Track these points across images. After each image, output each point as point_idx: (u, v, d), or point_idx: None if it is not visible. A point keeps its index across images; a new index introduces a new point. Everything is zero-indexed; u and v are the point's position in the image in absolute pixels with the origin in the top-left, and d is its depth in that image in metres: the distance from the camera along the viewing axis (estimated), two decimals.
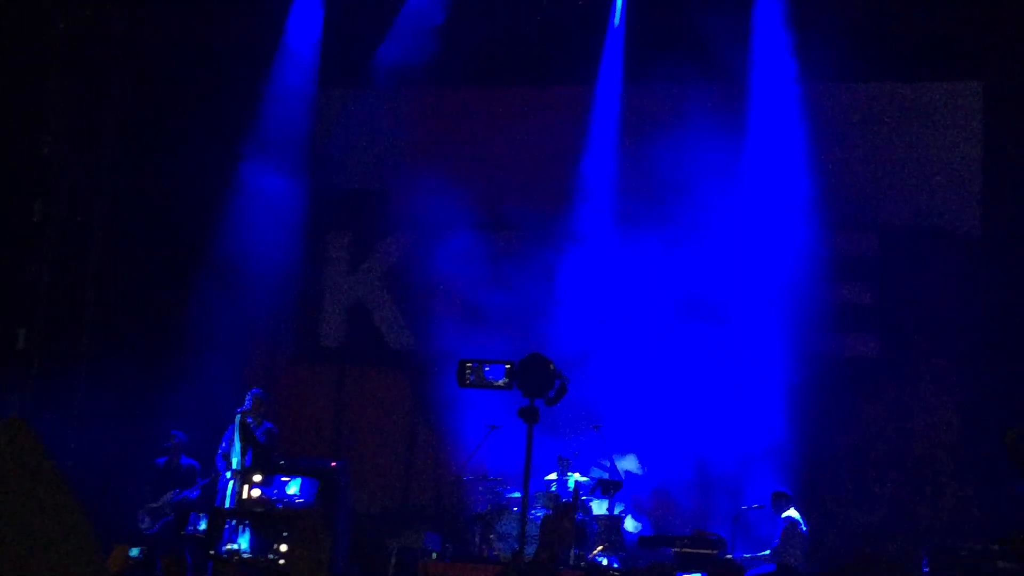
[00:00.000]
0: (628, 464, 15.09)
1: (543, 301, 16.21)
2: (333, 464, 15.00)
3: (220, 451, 14.24)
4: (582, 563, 13.71)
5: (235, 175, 16.69)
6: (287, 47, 17.20)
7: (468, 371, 8.64)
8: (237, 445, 13.94)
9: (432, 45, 16.33)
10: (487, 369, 8.48)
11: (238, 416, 14.05)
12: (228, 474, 14.00)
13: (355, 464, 15.92)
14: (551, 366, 8.59)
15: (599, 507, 14.53)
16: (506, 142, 16.74)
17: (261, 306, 16.85)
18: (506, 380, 8.58)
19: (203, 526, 13.22)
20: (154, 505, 14.67)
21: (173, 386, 15.84)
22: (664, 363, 15.75)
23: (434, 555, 14.26)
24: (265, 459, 14.01)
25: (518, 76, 17.22)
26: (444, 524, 15.57)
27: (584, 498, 14.49)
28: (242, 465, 13.81)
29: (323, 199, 17.42)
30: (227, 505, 13.63)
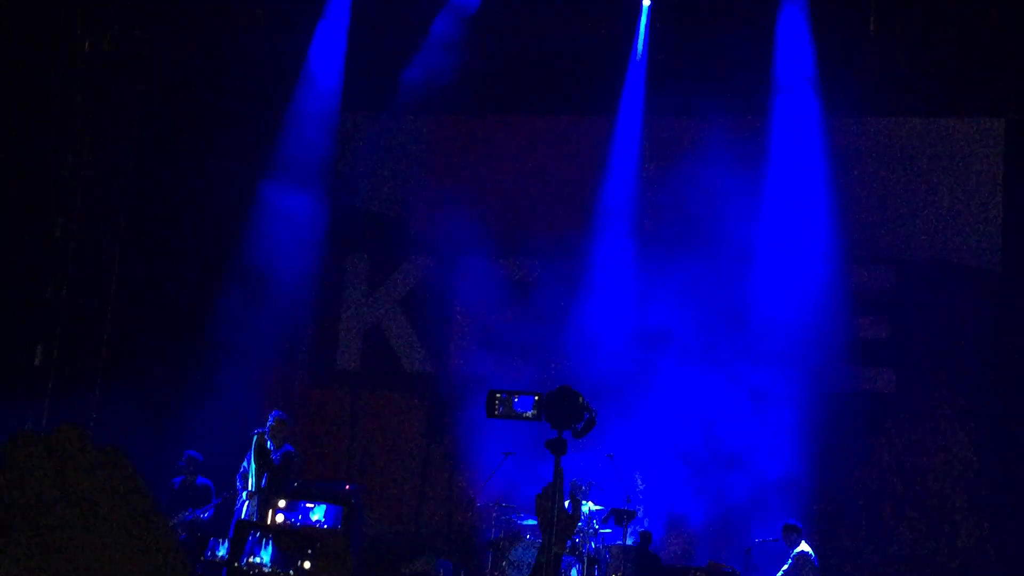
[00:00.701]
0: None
1: (560, 328, 16.20)
2: (348, 487, 15.01)
3: (241, 470, 14.23)
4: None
5: (256, 196, 16.75)
6: (310, 70, 17.26)
7: (497, 402, 8.63)
8: (253, 466, 13.94)
9: (454, 72, 16.38)
10: (516, 400, 8.49)
11: (255, 436, 14.04)
12: (244, 495, 13.99)
13: (368, 488, 15.93)
14: (580, 399, 8.58)
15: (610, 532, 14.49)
16: (526, 170, 16.78)
17: (278, 327, 16.88)
18: (534, 412, 8.58)
19: (222, 552, 13.22)
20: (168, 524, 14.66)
21: (190, 405, 15.87)
22: (680, 393, 15.72)
23: None
24: (279, 482, 14.00)
25: (539, 104, 17.26)
26: (456, 550, 15.55)
27: (597, 527, 14.46)
28: (257, 487, 13.81)
29: (342, 222, 17.45)
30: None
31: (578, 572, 13.91)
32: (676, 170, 15.75)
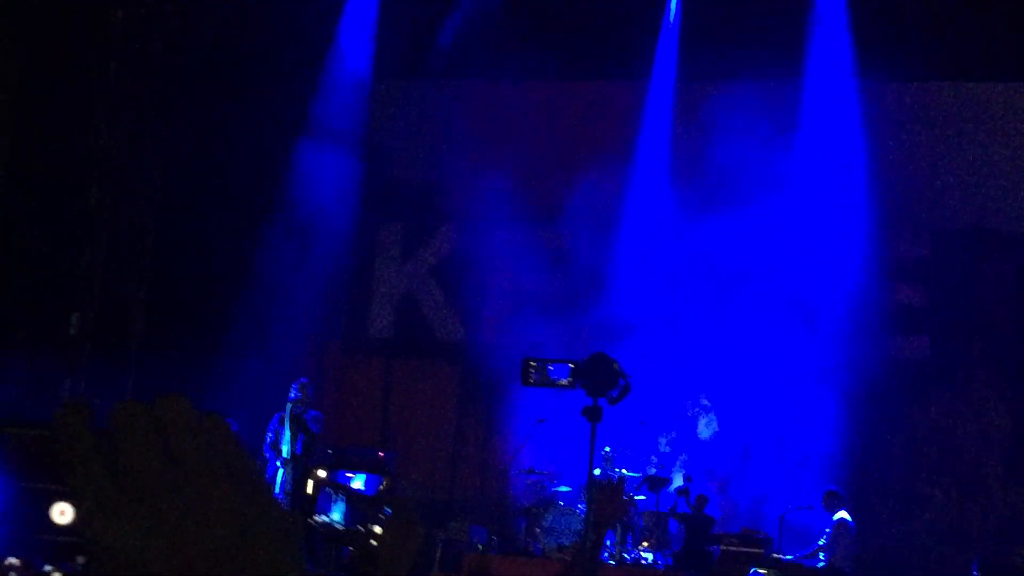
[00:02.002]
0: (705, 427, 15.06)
1: (596, 296, 16.18)
2: (381, 455, 15.09)
3: (267, 440, 14.32)
4: (624, 556, 13.72)
5: (289, 164, 16.78)
6: (343, 36, 17.26)
7: (532, 370, 8.62)
8: (287, 434, 14.03)
9: (488, 38, 16.32)
10: (551, 368, 8.47)
11: (289, 405, 14.13)
12: (278, 463, 14.09)
13: (402, 455, 15.99)
14: (615, 365, 8.56)
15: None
16: (559, 135, 16.72)
17: (311, 296, 16.93)
18: (570, 380, 8.57)
19: None
20: None
21: (224, 373, 15.95)
22: (717, 362, 15.69)
23: (480, 547, 14.29)
24: (315, 447, 14.12)
25: (572, 70, 17.18)
26: (490, 517, 15.61)
27: (631, 494, 14.49)
28: (292, 454, 13.91)
29: (376, 189, 17.46)
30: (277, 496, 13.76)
31: (611, 539, 13.95)
32: (709, 136, 15.65)
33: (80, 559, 9.98)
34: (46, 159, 16.13)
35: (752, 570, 12.80)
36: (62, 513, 10.70)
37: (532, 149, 16.55)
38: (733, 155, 15.45)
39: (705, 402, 15.40)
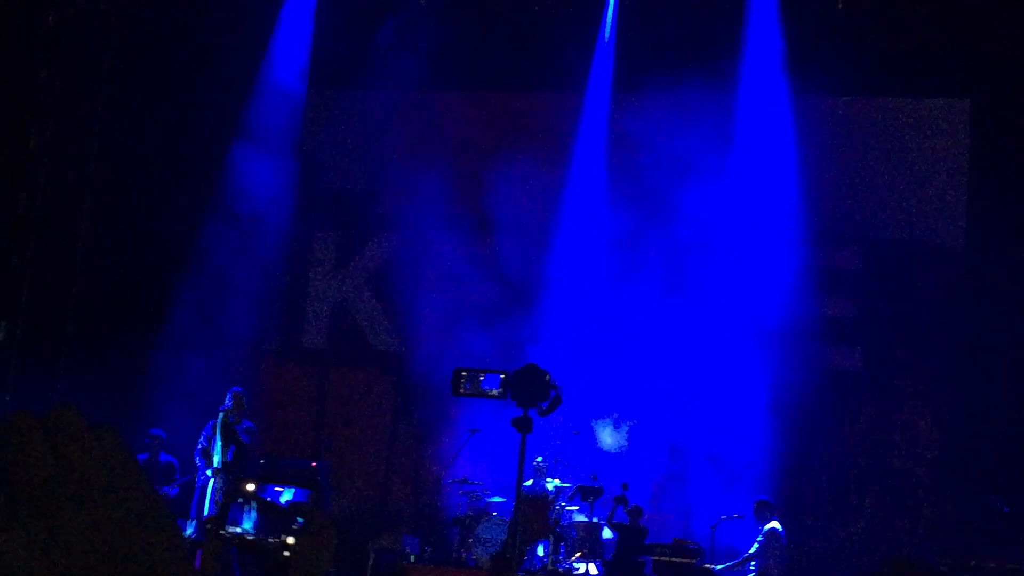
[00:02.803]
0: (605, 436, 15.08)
1: (529, 307, 16.19)
2: (314, 464, 15.00)
3: (198, 448, 14.22)
4: (556, 567, 13.73)
5: (224, 169, 16.65)
6: (278, 45, 17.17)
7: (463, 380, 8.60)
8: (218, 443, 13.93)
9: (423, 48, 16.31)
10: (482, 379, 8.45)
11: (220, 414, 14.03)
12: (208, 472, 13.97)
13: (335, 465, 15.91)
14: (547, 377, 8.55)
15: (578, 514, 14.54)
16: (494, 146, 16.72)
17: (245, 304, 16.81)
18: (501, 390, 8.54)
19: (189, 531, 13.23)
20: None
21: (155, 382, 15.80)
22: (646, 372, 15.75)
23: (412, 558, 14.25)
24: (246, 457, 14.01)
25: (508, 81, 17.23)
26: (423, 527, 15.58)
27: (563, 504, 14.51)
28: (223, 463, 13.80)
29: (311, 197, 17.38)
30: (207, 504, 13.62)
31: (545, 548, 13.97)
32: (643, 148, 15.73)
33: None
34: None
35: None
36: None
37: (467, 159, 16.56)
38: (667, 167, 15.55)
39: (614, 415, 15.43)
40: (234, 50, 16.83)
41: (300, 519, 2.78)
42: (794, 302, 15.57)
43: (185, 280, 16.47)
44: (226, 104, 16.76)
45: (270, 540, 2.94)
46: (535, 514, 13.69)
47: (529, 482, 14.88)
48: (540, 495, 14.22)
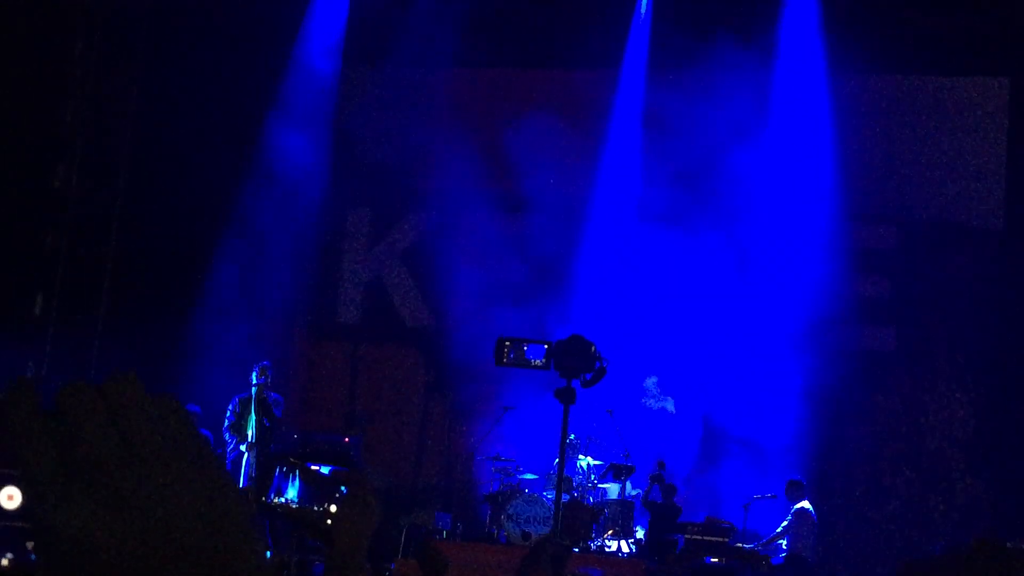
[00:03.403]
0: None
1: (563, 285, 16.18)
2: (347, 440, 15.06)
3: (227, 424, 14.27)
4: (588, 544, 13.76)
5: (258, 148, 16.68)
6: (313, 21, 17.17)
7: (507, 349, 8.56)
8: (252, 417, 13.99)
9: (458, 25, 16.27)
10: (526, 348, 8.42)
11: (253, 389, 14.09)
12: (242, 447, 14.04)
13: (367, 440, 15.97)
14: (592, 348, 8.51)
15: (612, 491, 14.54)
16: (529, 123, 16.67)
17: (279, 280, 16.86)
18: (544, 360, 8.50)
19: None
20: None
21: (189, 357, 15.87)
22: (679, 352, 15.72)
23: (444, 534, 14.29)
24: (278, 431, 14.09)
25: (543, 57, 17.18)
26: (455, 503, 15.61)
27: (596, 482, 14.51)
28: (258, 437, 13.88)
29: (345, 175, 17.38)
30: (241, 478, 13.70)
31: None
32: (679, 126, 15.66)
33: (30, 545, 9.88)
34: (10, 139, 15.97)
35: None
36: (10, 498, 10.59)
37: (502, 136, 16.51)
38: (702, 145, 15.49)
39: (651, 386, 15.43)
40: (270, 26, 16.83)
41: (344, 488, 2.77)
42: (829, 282, 15.50)
43: (219, 255, 16.52)
44: (262, 80, 16.79)
45: (314, 509, 2.94)
46: (580, 520, 13.65)
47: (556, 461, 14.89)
48: (587, 505, 14.16)
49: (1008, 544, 11.98)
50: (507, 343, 8.68)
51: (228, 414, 14.29)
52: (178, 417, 0.97)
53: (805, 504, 14.03)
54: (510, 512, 14.11)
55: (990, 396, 15.41)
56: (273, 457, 13.09)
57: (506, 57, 17.15)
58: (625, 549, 13.91)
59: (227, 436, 14.28)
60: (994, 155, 15.93)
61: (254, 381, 14.23)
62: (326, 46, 17.26)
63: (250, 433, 13.94)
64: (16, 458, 0.94)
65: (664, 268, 15.89)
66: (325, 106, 17.31)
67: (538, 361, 8.54)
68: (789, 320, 15.56)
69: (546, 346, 8.62)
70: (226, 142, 16.62)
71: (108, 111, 16.73)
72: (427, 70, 17.01)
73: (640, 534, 14.33)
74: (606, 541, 14.00)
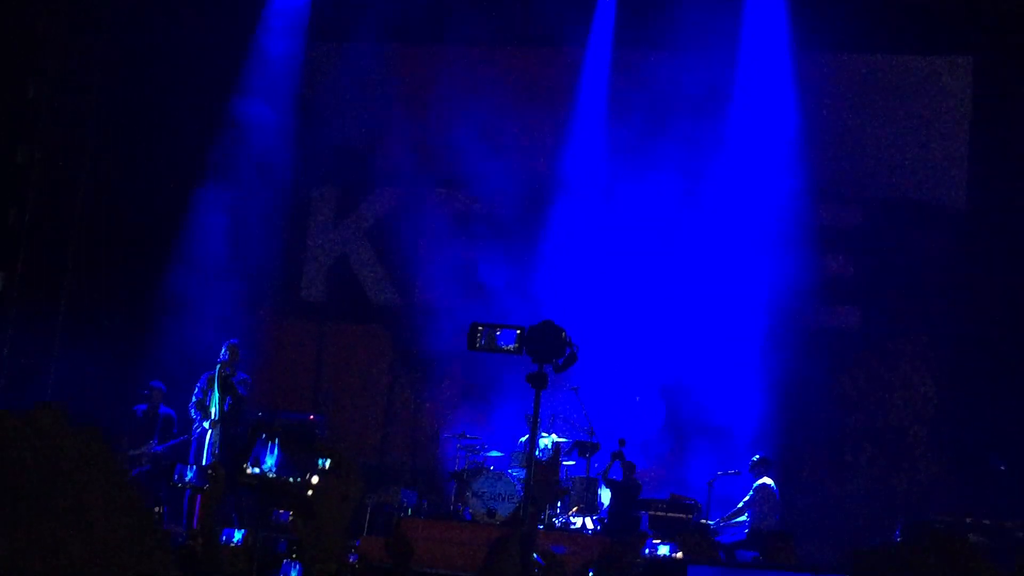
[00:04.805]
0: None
1: (528, 262, 16.18)
2: (312, 418, 15.04)
3: (193, 400, 14.25)
4: (553, 521, 13.80)
5: (222, 127, 16.59)
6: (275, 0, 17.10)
7: (479, 335, 8.60)
8: (215, 395, 13.96)
9: (423, 1, 16.23)
10: (498, 334, 8.46)
11: (217, 366, 14.06)
12: (206, 424, 14.01)
13: (333, 419, 15.95)
14: (563, 334, 8.58)
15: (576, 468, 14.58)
16: (494, 100, 16.63)
17: (244, 258, 16.80)
18: (516, 345, 8.56)
19: (189, 476, 13.23)
20: (133, 453, 14.64)
21: (153, 335, 15.81)
22: (645, 328, 15.76)
23: (410, 511, 14.30)
24: (242, 409, 14.06)
25: (507, 35, 17.13)
26: (420, 481, 15.62)
27: (560, 460, 14.54)
28: (221, 415, 13.84)
29: (309, 153, 17.32)
30: (204, 456, 13.67)
31: None
32: (642, 104, 15.69)
33: None
34: None
35: None
36: None
37: (468, 114, 16.47)
38: (666, 123, 15.51)
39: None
40: (234, 3, 16.73)
41: (327, 459, 2.74)
42: (792, 260, 15.54)
43: (184, 235, 16.45)
44: (226, 58, 16.70)
45: (294, 480, 2.93)
46: (545, 476, 13.71)
47: (525, 438, 14.91)
48: (547, 458, 14.23)
49: (970, 537, 12.05)
50: (479, 328, 8.72)
51: (196, 391, 14.27)
52: (100, 445, 0.94)
53: (766, 480, 14.10)
54: (475, 489, 14.13)
55: (953, 374, 15.50)
56: (254, 426, 13.04)
57: (471, 35, 17.09)
58: (590, 526, 13.95)
59: (193, 413, 14.26)
60: (957, 134, 15.99)
61: (220, 358, 14.20)
62: (290, 24, 17.17)
63: (213, 411, 13.91)
64: None
65: (628, 246, 15.92)
66: (289, 84, 17.23)
67: (510, 346, 8.59)
68: (752, 298, 15.62)
69: (518, 331, 8.68)
70: (190, 121, 16.53)
71: (72, 88, 16.59)
72: (392, 48, 16.95)
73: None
74: (571, 518, 14.05)
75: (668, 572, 11.88)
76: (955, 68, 16.17)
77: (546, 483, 13.78)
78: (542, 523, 13.67)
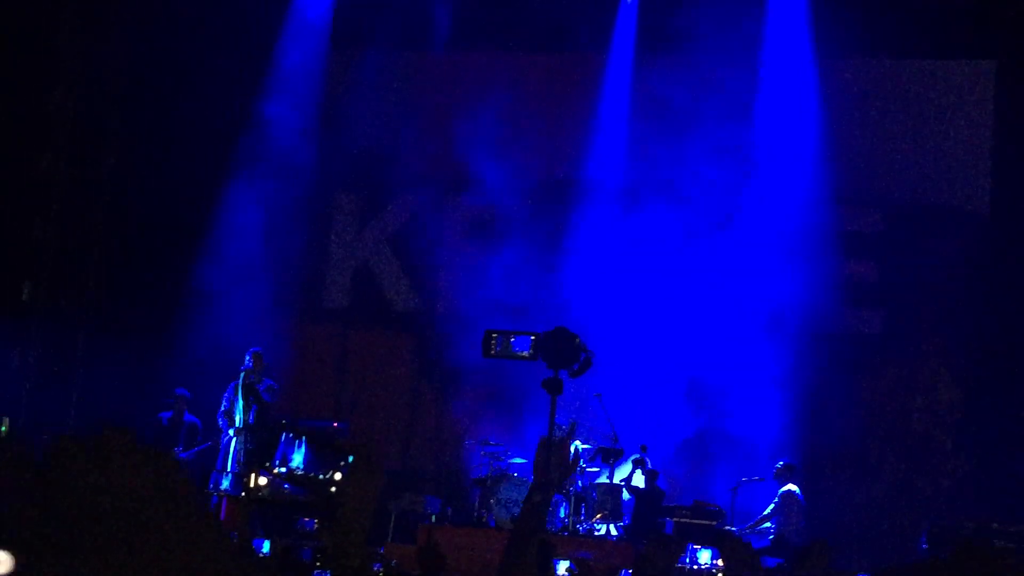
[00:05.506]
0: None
1: (551, 269, 16.18)
2: (335, 425, 15.07)
3: (221, 409, 14.29)
4: (576, 528, 13.79)
5: (246, 134, 16.64)
6: (301, 4, 17.13)
7: (493, 341, 8.61)
8: (240, 403, 13.99)
9: (447, 8, 16.25)
10: (513, 340, 8.47)
11: (242, 374, 14.09)
12: (231, 432, 14.05)
13: (356, 426, 15.97)
14: (576, 340, 8.60)
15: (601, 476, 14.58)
16: (517, 106, 16.65)
17: (266, 265, 16.83)
18: (531, 352, 8.57)
19: (225, 484, 13.33)
20: None
21: (177, 342, 15.86)
22: (667, 334, 15.74)
23: (433, 518, 14.31)
24: (268, 416, 14.08)
25: (530, 41, 17.14)
26: (444, 488, 15.63)
27: (584, 466, 14.53)
28: (245, 422, 13.88)
29: (332, 159, 17.35)
30: (230, 464, 13.72)
31: (565, 510, 14.01)
32: (666, 110, 15.68)
33: None
34: None
35: None
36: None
37: (491, 121, 16.48)
38: (689, 129, 15.50)
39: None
40: (259, 8, 16.79)
41: (350, 457, 2.78)
42: (816, 265, 15.53)
43: (207, 242, 16.50)
44: (250, 63, 16.74)
45: (319, 477, 2.96)
46: (557, 456, 13.68)
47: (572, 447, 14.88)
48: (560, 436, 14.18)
49: (996, 543, 11.98)
50: (494, 336, 8.73)
51: (224, 400, 14.31)
52: (171, 471, 0.92)
53: (791, 487, 14.07)
54: (499, 496, 14.14)
55: (976, 378, 15.46)
56: (279, 425, 13.06)
57: (494, 41, 17.12)
58: (614, 533, 13.95)
59: (220, 421, 14.30)
60: (980, 138, 15.96)
61: (244, 366, 14.25)
62: (314, 29, 17.21)
63: (237, 419, 13.95)
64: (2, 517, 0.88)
65: (651, 252, 15.90)
66: (311, 90, 17.27)
67: (524, 353, 8.60)
68: (775, 303, 15.59)
69: (532, 338, 8.68)
70: (214, 128, 16.58)
71: (95, 97, 16.65)
72: (415, 54, 16.99)
73: None
74: (595, 525, 14.04)
75: None
76: (977, 72, 16.13)
77: (557, 463, 13.73)
78: (566, 528, 13.66)
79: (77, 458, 0.90)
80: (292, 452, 12.05)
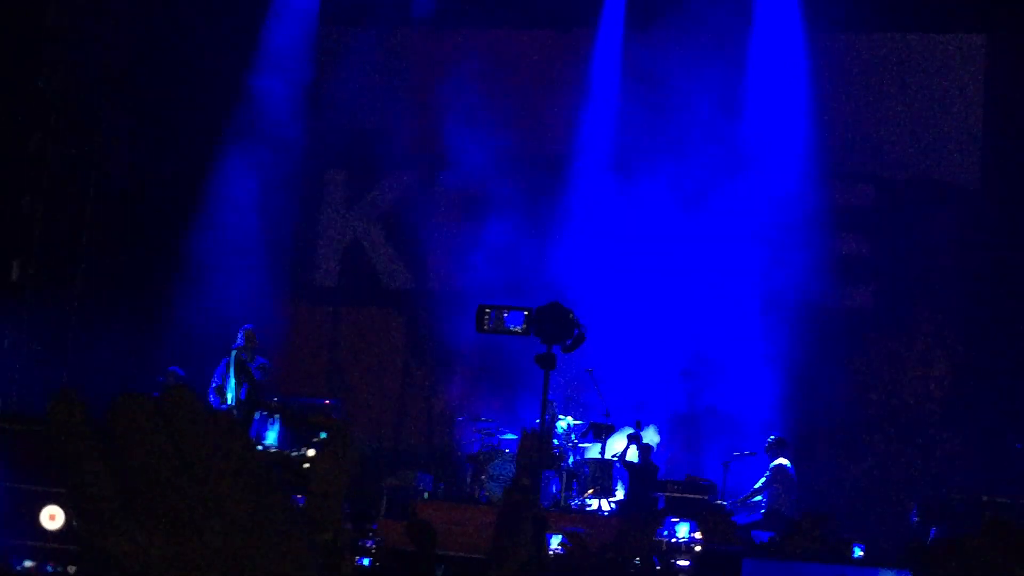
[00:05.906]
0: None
1: (542, 245, 16.17)
2: (327, 403, 15.07)
3: (212, 386, 14.29)
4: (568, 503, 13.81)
5: (236, 112, 16.59)
6: None
7: (486, 317, 8.60)
8: (232, 381, 13.99)
9: None
10: (506, 315, 8.45)
11: (233, 352, 14.08)
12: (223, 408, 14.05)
13: (348, 403, 15.97)
14: (571, 315, 8.58)
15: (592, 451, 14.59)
16: (507, 83, 16.62)
17: (257, 243, 16.81)
18: (524, 327, 8.56)
19: None
20: None
21: (167, 321, 15.83)
22: (659, 310, 15.74)
23: (426, 495, 14.33)
24: (259, 394, 14.07)
25: (519, 18, 17.09)
26: (436, 464, 15.65)
27: (576, 441, 14.55)
28: (237, 400, 13.87)
29: (322, 137, 17.31)
30: None
31: (556, 486, 14.03)
32: (656, 85, 15.64)
33: (72, 570, 9.52)
34: None
35: None
36: (52, 518, 10.24)
37: (479, 98, 16.45)
38: (680, 104, 15.48)
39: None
40: None
41: (323, 433, 2.78)
42: (807, 240, 15.53)
43: (198, 219, 16.46)
44: (240, 41, 16.67)
45: (292, 453, 2.96)
46: (537, 443, 13.71)
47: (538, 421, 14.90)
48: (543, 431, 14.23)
49: (986, 515, 12.03)
50: (487, 311, 8.72)
51: (215, 377, 14.31)
52: (234, 432, 0.89)
53: (782, 460, 14.10)
54: (491, 472, 14.16)
55: (967, 352, 15.49)
56: (252, 404, 13.06)
57: (483, 18, 17.06)
58: (606, 508, 13.97)
59: (212, 398, 14.29)
60: (970, 113, 15.96)
61: (236, 344, 14.24)
62: (303, 7, 17.14)
63: (229, 396, 13.95)
64: (61, 476, 0.87)
65: (642, 228, 15.89)
66: (303, 67, 17.22)
67: (517, 328, 8.59)
68: (767, 278, 15.60)
69: (525, 313, 8.67)
70: (204, 105, 16.52)
71: (85, 73, 16.57)
72: (404, 31, 16.93)
73: (620, 493, 14.38)
74: (586, 500, 14.07)
75: (722, 564, 11.90)
76: (968, 47, 16.12)
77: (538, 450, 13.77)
78: (557, 504, 13.69)
79: (139, 417, 0.87)
80: (266, 430, 12.05)
